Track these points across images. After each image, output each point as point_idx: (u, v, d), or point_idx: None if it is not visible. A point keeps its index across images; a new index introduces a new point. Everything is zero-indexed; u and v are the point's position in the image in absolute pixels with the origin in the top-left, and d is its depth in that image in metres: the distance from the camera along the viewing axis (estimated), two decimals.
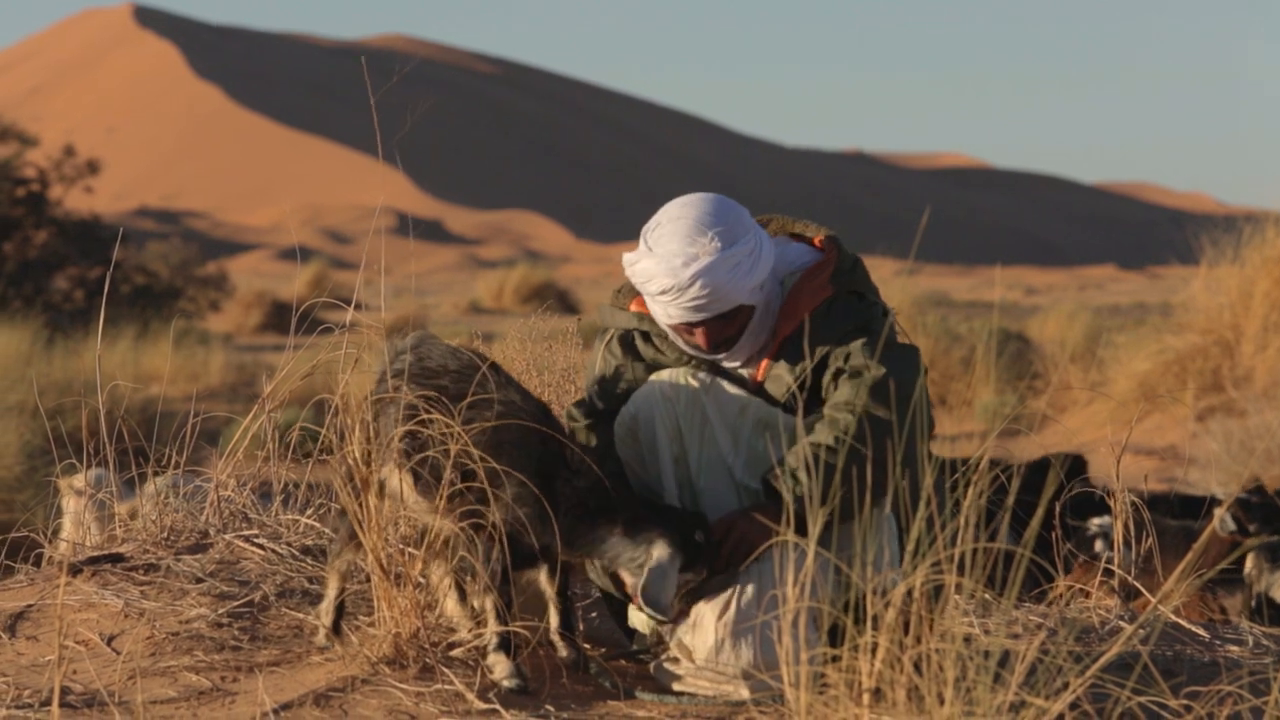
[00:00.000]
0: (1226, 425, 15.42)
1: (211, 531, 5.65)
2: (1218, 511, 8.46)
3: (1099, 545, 9.06)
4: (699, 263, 4.66)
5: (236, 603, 5.13)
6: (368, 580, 4.82)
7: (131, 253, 34.64)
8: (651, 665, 4.81)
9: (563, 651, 4.69)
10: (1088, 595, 5.75)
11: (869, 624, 3.97)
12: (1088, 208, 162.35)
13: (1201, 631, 5.56)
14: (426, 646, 4.70)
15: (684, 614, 4.74)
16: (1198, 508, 9.24)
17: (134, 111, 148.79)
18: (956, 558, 3.96)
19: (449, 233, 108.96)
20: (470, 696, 4.52)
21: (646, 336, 4.92)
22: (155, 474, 5.77)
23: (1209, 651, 5.40)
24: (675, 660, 4.72)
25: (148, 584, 5.27)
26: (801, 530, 4.48)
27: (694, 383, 4.80)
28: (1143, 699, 4.12)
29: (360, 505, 4.69)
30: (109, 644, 4.94)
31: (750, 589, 4.64)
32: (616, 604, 4.98)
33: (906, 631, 3.96)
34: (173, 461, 5.77)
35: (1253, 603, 7.93)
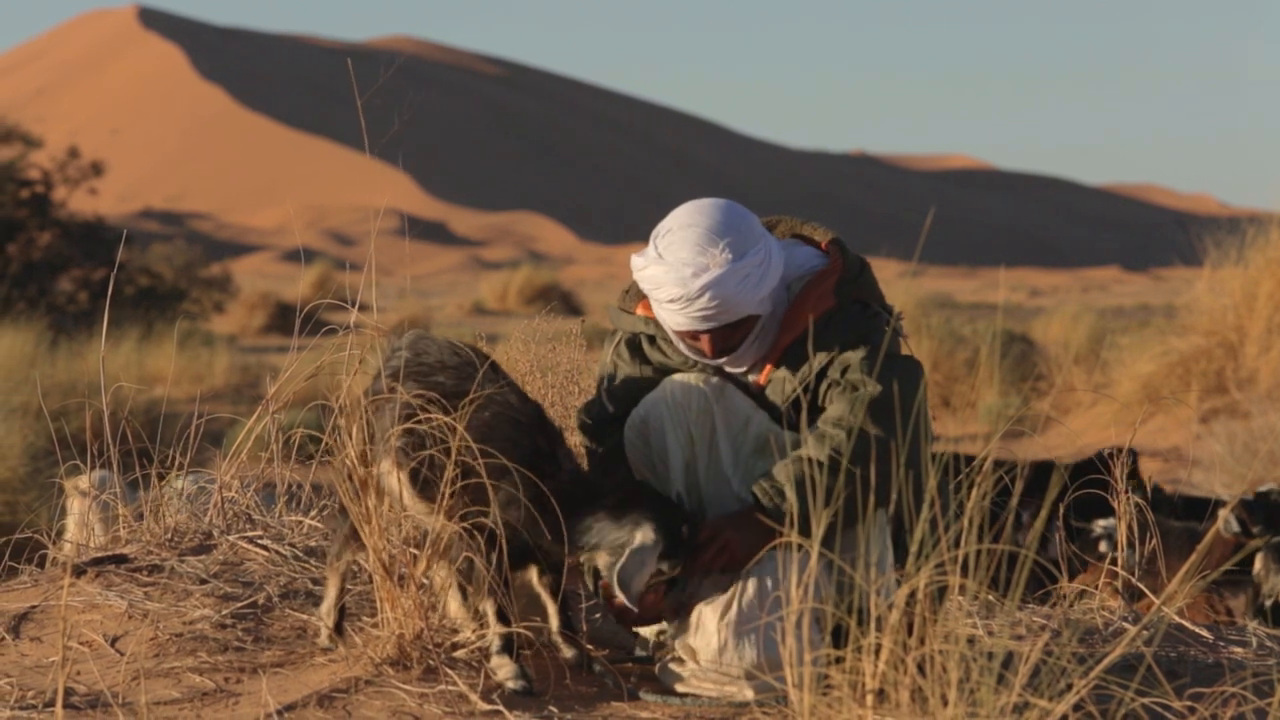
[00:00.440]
0: (1230, 427, 15.41)
1: (215, 533, 5.65)
2: (1222, 513, 8.46)
3: (1103, 546, 9.06)
4: (709, 274, 4.65)
5: (240, 604, 5.13)
6: (370, 581, 4.82)
7: (136, 254, 34.64)
8: (655, 666, 4.81)
9: (566, 652, 4.70)
10: (1092, 596, 5.75)
11: (872, 626, 3.97)
12: (1092, 209, 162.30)
13: (1205, 633, 5.56)
14: (430, 647, 4.70)
15: (685, 614, 4.74)
16: (1202, 509, 9.22)
17: (138, 113, 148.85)
18: (960, 559, 3.96)
19: (453, 234, 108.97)
20: (474, 698, 4.52)
21: (652, 340, 4.92)
22: (160, 475, 5.77)
23: (1213, 653, 5.40)
24: (679, 661, 4.72)
25: (151, 585, 5.27)
26: (799, 530, 4.48)
27: (706, 389, 4.79)
28: (1146, 700, 4.12)
29: (360, 505, 4.69)
30: (113, 645, 4.94)
31: (752, 590, 4.64)
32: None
33: (910, 633, 3.96)
34: (177, 463, 5.77)
35: (1266, 603, 7.93)
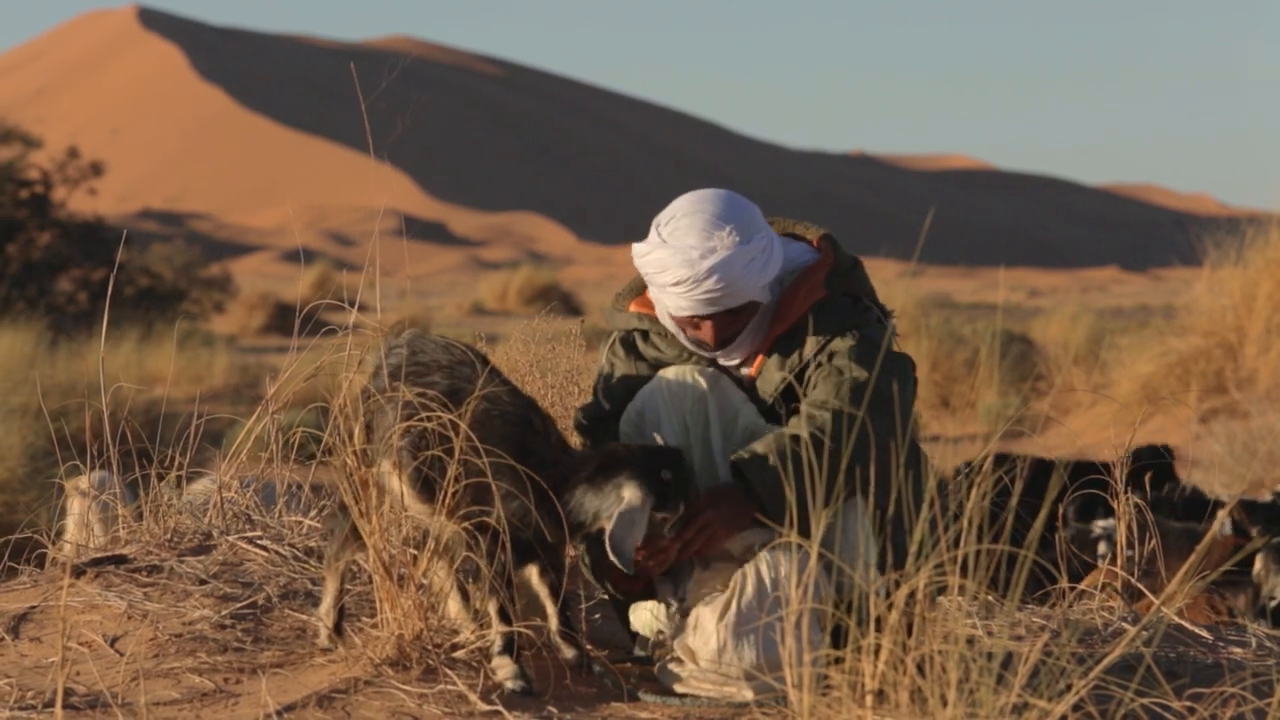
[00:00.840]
0: (1229, 427, 15.43)
1: (215, 533, 5.65)
2: (1220, 514, 8.46)
3: (1103, 547, 9.07)
4: (717, 255, 4.68)
5: (240, 604, 5.13)
6: (369, 581, 4.82)
7: (135, 254, 34.66)
8: (655, 667, 4.81)
9: (566, 653, 4.70)
10: (1091, 596, 5.75)
11: (871, 625, 3.97)
12: (1091, 209, 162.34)
13: (1205, 633, 5.57)
14: (430, 648, 4.70)
15: (684, 614, 4.75)
16: (1201, 510, 9.23)
17: (138, 113, 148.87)
18: (959, 559, 3.96)
19: (452, 234, 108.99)
20: (473, 698, 4.52)
21: (646, 335, 4.94)
22: (159, 475, 5.77)
23: (1212, 653, 5.40)
24: (679, 662, 4.72)
25: (151, 585, 5.27)
26: (776, 521, 4.49)
27: (701, 380, 4.82)
28: (1146, 701, 4.12)
29: (360, 505, 4.69)
30: (112, 645, 4.94)
31: (751, 590, 4.64)
32: (619, 605, 4.98)
33: (909, 633, 3.96)
34: (176, 463, 5.78)
35: (1270, 604, 7.94)
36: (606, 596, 5.07)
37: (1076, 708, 3.97)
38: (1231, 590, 8.13)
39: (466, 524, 4.56)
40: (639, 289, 4.97)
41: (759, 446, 4.65)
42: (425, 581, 4.73)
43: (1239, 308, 17.30)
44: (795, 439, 4.61)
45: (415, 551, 4.72)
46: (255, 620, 5.07)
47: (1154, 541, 5.82)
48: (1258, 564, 8.02)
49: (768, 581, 4.63)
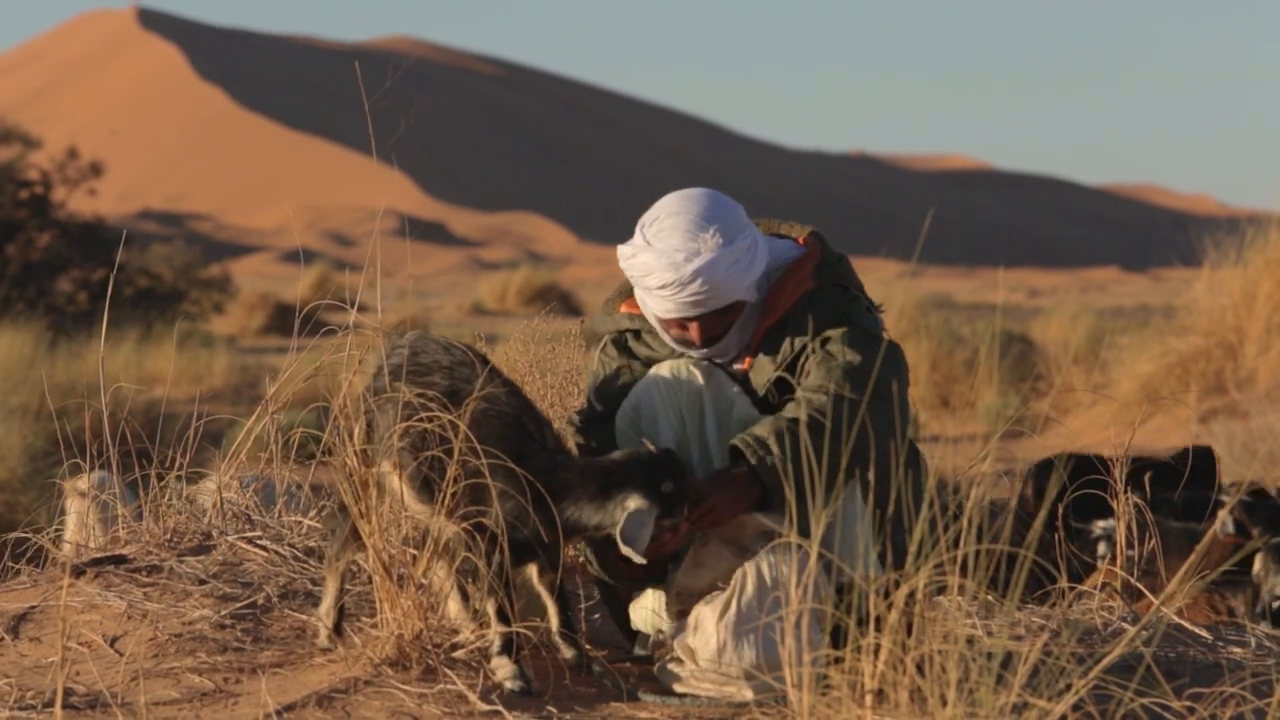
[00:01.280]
0: (1229, 427, 15.43)
1: (214, 533, 5.65)
2: (1220, 514, 8.46)
3: (1103, 548, 9.06)
4: (701, 258, 4.68)
5: (239, 604, 5.13)
6: (369, 581, 4.82)
7: (135, 255, 34.64)
8: (655, 666, 4.81)
9: (566, 652, 4.70)
10: (1091, 596, 5.75)
11: (871, 625, 3.97)
12: (1090, 209, 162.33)
13: (1204, 633, 5.57)
14: (429, 648, 4.70)
15: (684, 615, 4.75)
16: (1201, 510, 9.23)
17: (137, 113, 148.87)
18: (959, 559, 3.96)
19: (452, 235, 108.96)
20: (473, 698, 4.52)
21: (638, 335, 4.95)
22: (159, 475, 5.77)
23: (1212, 653, 5.40)
24: (678, 661, 4.72)
25: (151, 585, 5.27)
26: (777, 506, 4.49)
27: (696, 373, 4.82)
28: (1145, 700, 4.12)
29: (360, 505, 4.69)
30: (112, 645, 4.94)
31: (751, 590, 4.64)
32: (618, 605, 4.99)
33: (909, 633, 3.96)
34: (176, 463, 5.78)
35: (1273, 604, 7.93)
36: (603, 595, 5.07)
37: (1076, 707, 3.97)
38: (1231, 590, 8.13)
39: (465, 524, 4.56)
40: (628, 292, 4.98)
41: (758, 429, 4.65)
42: (425, 582, 4.74)
43: (1239, 308, 17.30)
44: (793, 421, 4.61)
45: (415, 552, 4.72)
46: (255, 620, 5.07)
47: (1154, 541, 5.82)
48: (1257, 564, 8.02)
49: (768, 581, 4.63)
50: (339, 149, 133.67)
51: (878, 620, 3.96)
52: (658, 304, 4.78)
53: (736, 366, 4.88)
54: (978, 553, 3.94)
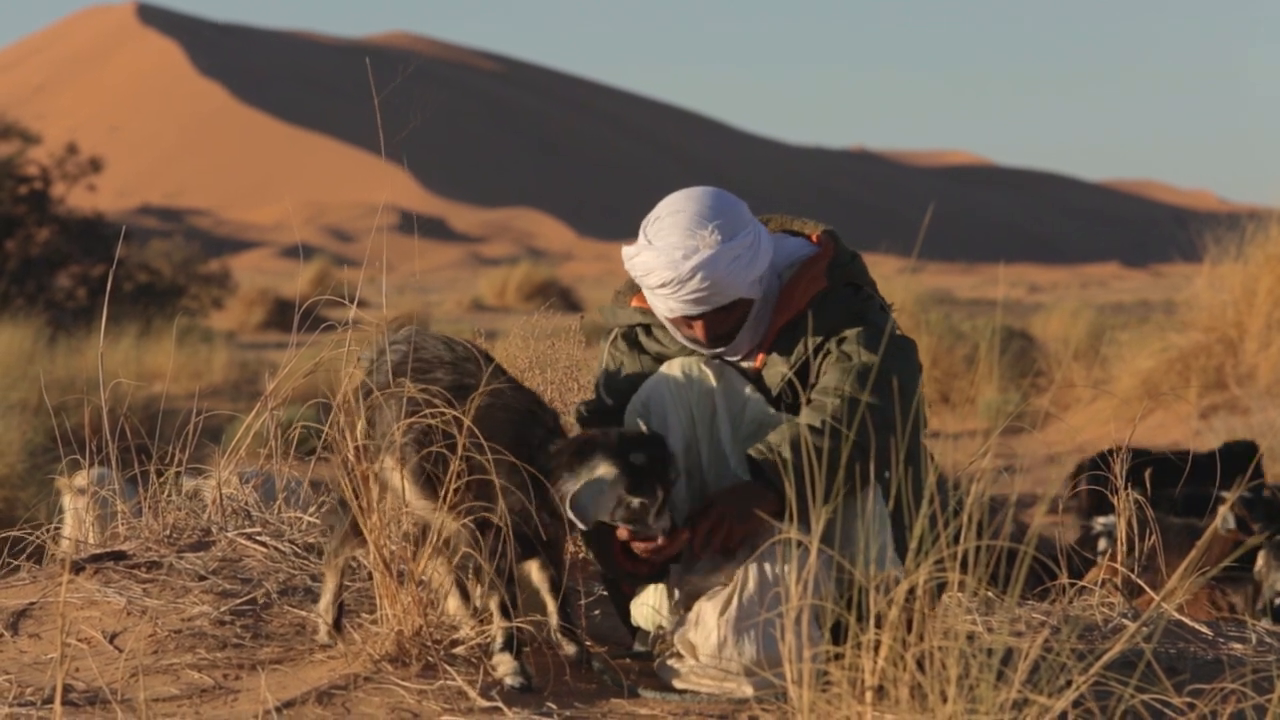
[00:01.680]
0: (1230, 423, 15.43)
1: (214, 529, 5.65)
2: (1221, 510, 8.46)
3: (1103, 543, 9.06)
4: (699, 255, 4.67)
5: (239, 600, 5.13)
6: (369, 578, 4.82)
7: (134, 250, 34.62)
8: (655, 662, 4.81)
9: (566, 649, 4.69)
10: (1091, 592, 5.75)
11: (871, 621, 3.97)
12: (1091, 205, 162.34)
13: (1205, 629, 5.56)
14: (429, 644, 4.70)
15: (685, 610, 4.74)
16: (1202, 505, 9.23)
17: (137, 109, 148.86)
18: (960, 555, 3.95)
19: (452, 230, 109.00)
20: (473, 694, 4.52)
21: (649, 330, 4.93)
22: (158, 471, 5.76)
23: (1212, 649, 5.40)
24: (679, 657, 4.72)
25: (150, 582, 5.27)
26: (790, 517, 4.48)
27: (707, 371, 4.81)
28: (1146, 697, 4.11)
29: (360, 501, 4.68)
30: (111, 642, 4.94)
31: (752, 586, 4.64)
32: (622, 601, 4.98)
33: (910, 630, 3.96)
34: (175, 459, 5.77)
35: (1274, 601, 7.93)
36: (608, 591, 5.06)
37: (1076, 704, 3.96)
38: (1232, 586, 8.13)
39: (468, 521, 4.55)
40: (639, 286, 4.97)
41: (774, 438, 4.64)
42: (425, 579, 4.73)
43: (1239, 303, 17.29)
44: (811, 429, 4.60)
45: (414, 548, 4.71)
46: (254, 616, 5.06)
47: (1154, 538, 5.82)
48: (1260, 561, 8.02)
49: (769, 577, 4.63)
50: (339, 144, 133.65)
51: (878, 617, 3.96)
52: (661, 303, 4.77)
53: (749, 364, 4.86)
54: (978, 549, 3.93)
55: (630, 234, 4.85)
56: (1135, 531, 5.81)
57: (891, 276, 24.19)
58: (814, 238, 4.94)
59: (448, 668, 4.64)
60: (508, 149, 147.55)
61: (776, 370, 4.81)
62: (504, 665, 4.58)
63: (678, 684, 4.70)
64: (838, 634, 4.37)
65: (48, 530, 5.79)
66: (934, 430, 17.88)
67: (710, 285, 4.69)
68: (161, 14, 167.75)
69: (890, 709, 3.92)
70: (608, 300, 5.06)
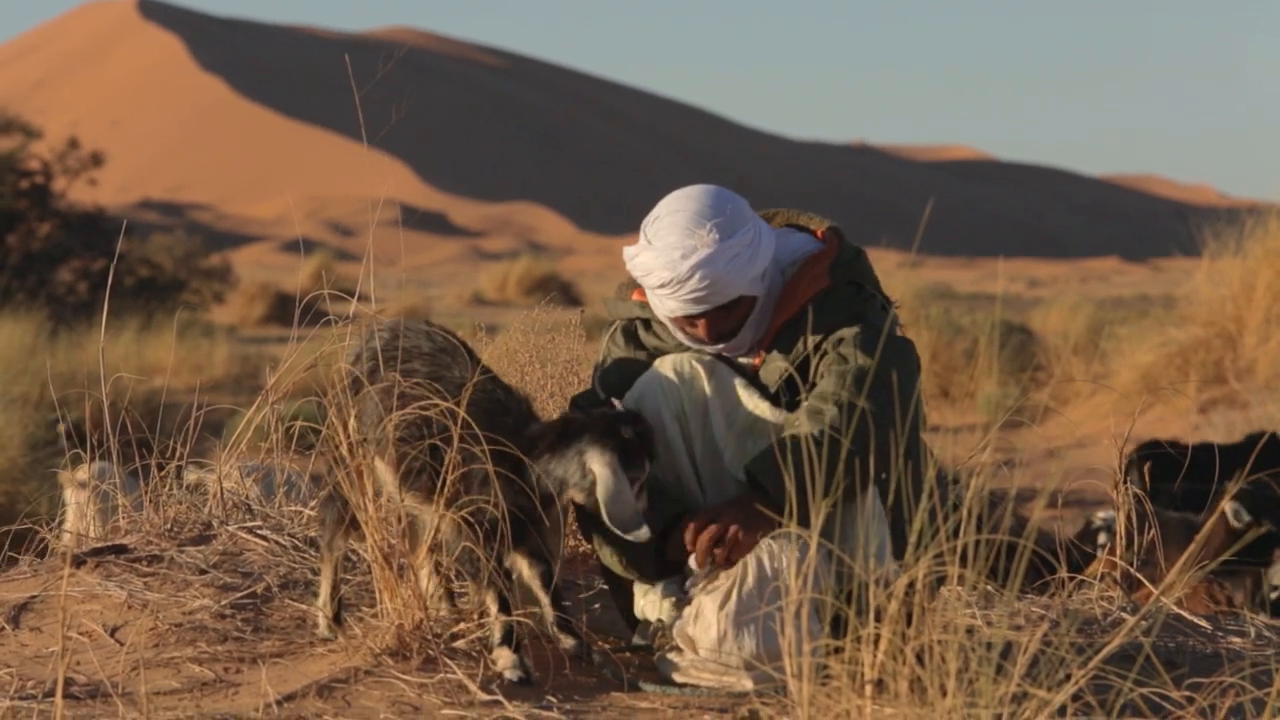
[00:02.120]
0: (1229, 417, 15.44)
1: (215, 523, 5.66)
2: (1223, 504, 8.47)
3: (1103, 538, 9.07)
4: (697, 254, 4.67)
5: (240, 594, 5.13)
6: (369, 571, 4.82)
7: (135, 245, 34.64)
8: (655, 656, 4.81)
9: (566, 642, 4.69)
10: (1090, 586, 5.76)
11: (870, 616, 3.97)
12: (1091, 200, 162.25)
13: (1203, 623, 5.57)
14: (429, 638, 4.70)
15: (685, 604, 4.75)
16: (1200, 500, 9.23)
17: (138, 104, 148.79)
18: (959, 549, 3.96)
19: (452, 225, 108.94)
20: (473, 688, 4.53)
21: (648, 324, 4.94)
22: (159, 465, 5.77)
23: (1211, 643, 5.40)
24: (678, 651, 4.72)
25: (151, 575, 5.28)
26: (798, 520, 4.48)
27: (700, 368, 4.81)
28: (1145, 690, 4.12)
29: (355, 495, 4.69)
30: (112, 635, 4.95)
31: (751, 580, 4.64)
32: (621, 595, 4.98)
33: (909, 623, 3.96)
34: (176, 453, 5.78)
35: (1273, 595, 7.94)
36: (608, 583, 5.06)
37: (1075, 697, 3.97)
38: (1231, 580, 8.14)
39: (463, 514, 4.55)
40: None
41: (772, 449, 4.62)
42: (407, 563, 4.72)
43: (1238, 298, 17.30)
44: (813, 440, 4.58)
45: (394, 541, 4.70)
46: (255, 610, 5.07)
47: (1153, 531, 5.83)
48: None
49: (769, 571, 4.63)
50: (340, 139, 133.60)
51: (878, 610, 3.97)
52: (662, 303, 4.77)
53: (747, 360, 4.86)
54: (977, 543, 3.94)
55: (631, 229, 4.85)
56: (1134, 525, 5.82)
57: (892, 271, 24.19)
58: (819, 234, 4.93)
59: (448, 661, 4.64)
60: (509, 143, 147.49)
61: (774, 367, 4.80)
62: (504, 659, 4.59)
63: (677, 678, 4.70)
64: (837, 628, 4.37)
65: (50, 527, 5.80)
66: (933, 425, 17.89)
67: (710, 284, 4.68)
68: (162, 8, 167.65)
69: (890, 702, 3.93)
70: (610, 294, 5.06)
